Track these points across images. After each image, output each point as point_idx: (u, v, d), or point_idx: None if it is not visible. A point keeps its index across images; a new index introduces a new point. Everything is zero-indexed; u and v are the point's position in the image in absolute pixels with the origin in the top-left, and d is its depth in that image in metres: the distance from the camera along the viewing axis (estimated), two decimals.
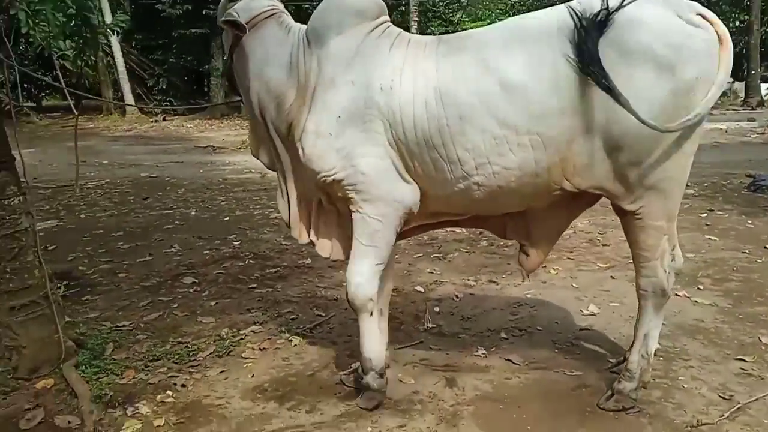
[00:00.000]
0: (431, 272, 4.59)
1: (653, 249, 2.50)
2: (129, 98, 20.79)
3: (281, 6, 2.82)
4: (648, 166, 2.35)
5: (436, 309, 3.85)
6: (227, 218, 6.67)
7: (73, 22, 5.91)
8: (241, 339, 3.44)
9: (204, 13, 20.04)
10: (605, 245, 5.15)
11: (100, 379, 2.97)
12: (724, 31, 2.27)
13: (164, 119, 20.56)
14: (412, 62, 2.51)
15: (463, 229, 5.54)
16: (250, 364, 3.16)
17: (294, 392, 2.88)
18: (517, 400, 2.76)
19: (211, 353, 3.27)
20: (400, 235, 2.80)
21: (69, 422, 2.65)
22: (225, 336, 3.47)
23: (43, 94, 28.50)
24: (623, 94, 2.18)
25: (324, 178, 2.59)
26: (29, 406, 2.77)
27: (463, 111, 2.40)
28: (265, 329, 3.58)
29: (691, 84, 2.25)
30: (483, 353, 3.21)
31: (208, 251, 5.32)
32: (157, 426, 2.61)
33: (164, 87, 23.91)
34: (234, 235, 5.84)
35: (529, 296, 4.02)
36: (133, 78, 22.07)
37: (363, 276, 2.64)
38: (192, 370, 3.11)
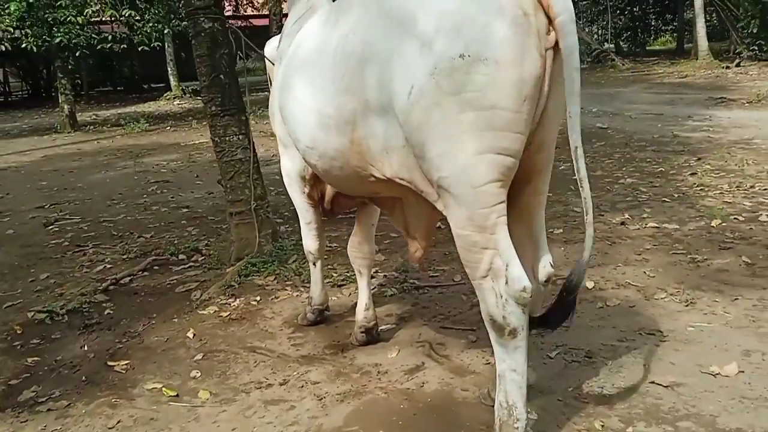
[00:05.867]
0: (645, 273, 3.76)
1: (470, 265, 2.02)
2: (702, 39, 19.93)
3: None
4: (424, 159, 1.95)
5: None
6: None
7: None
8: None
9: None
10: None
11: (250, 276, 4.01)
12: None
13: (738, 64, 18.70)
14: (302, 34, 2.65)
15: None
16: (335, 299, 3.66)
17: (313, 330, 3.30)
18: (429, 409, 2.52)
19: (329, 281, 3.88)
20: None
21: (194, 295, 3.82)
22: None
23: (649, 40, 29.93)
24: (397, 71, 1.93)
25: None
26: (202, 279, 4.07)
27: (287, 82, 2.55)
28: (389, 278, 3.92)
29: (455, 64, 1.76)
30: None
31: None
32: (220, 315, 3.54)
33: (754, 30, 21.33)
34: None
35: (690, 329, 3.01)
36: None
37: (303, 234, 3.24)
38: (302, 289, 3.82)
